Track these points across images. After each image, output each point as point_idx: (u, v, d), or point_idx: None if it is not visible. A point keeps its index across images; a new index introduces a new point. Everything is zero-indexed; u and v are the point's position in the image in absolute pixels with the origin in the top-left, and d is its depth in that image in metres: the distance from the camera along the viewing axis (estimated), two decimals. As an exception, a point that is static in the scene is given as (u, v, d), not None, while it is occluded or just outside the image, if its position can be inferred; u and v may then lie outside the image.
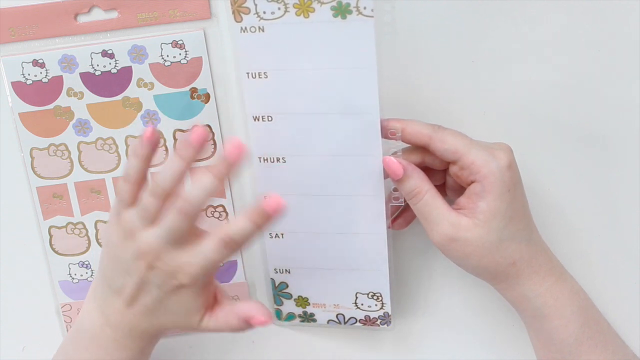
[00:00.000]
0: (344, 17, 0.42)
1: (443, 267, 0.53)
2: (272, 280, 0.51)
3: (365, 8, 0.41)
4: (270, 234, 0.49)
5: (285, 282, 0.51)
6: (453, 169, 0.44)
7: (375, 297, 0.50)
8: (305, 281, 0.51)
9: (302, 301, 0.51)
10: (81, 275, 0.53)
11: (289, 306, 0.52)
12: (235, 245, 0.40)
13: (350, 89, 0.44)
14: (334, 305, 0.51)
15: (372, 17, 0.41)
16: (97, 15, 0.48)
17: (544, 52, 0.48)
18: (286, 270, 0.50)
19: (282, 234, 0.49)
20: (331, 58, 0.43)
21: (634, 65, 0.48)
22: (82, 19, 0.48)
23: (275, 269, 0.51)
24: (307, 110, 0.45)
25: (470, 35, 0.48)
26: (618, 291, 0.52)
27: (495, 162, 0.42)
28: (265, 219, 0.40)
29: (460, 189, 0.45)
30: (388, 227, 0.48)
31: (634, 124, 0.50)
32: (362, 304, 0.50)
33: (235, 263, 0.53)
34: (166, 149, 0.50)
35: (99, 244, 0.52)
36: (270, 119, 0.45)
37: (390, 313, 0.51)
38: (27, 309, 0.54)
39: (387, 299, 0.50)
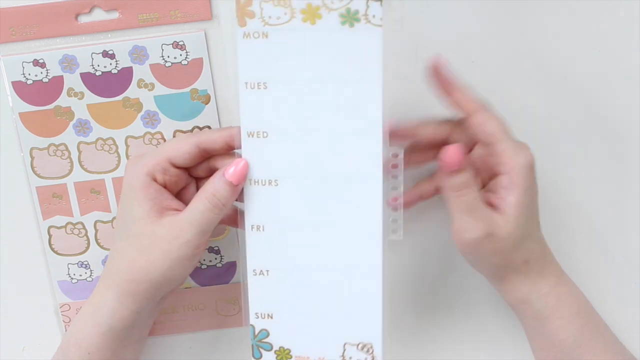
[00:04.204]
0: (351, 25, 0.40)
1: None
2: (252, 327, 0.45)
3: (374, 16, 0.40)
4: (254, 270, 0.44)
5: (266, 330, 0.45)
6: (478, 152, 0.44)
7: (365, 350, 0.44)
8: (289, 329, 0.45)
9: (284, 353, 0.46)
10: (80, 276, 0.52)
11: (268, 359, 0.46)
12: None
13: (352, 103, 0.41)
14: (319, 358, 0.45)
15: (380, 26, 0.40)
16: (98, 15, 0.48)
17: (544, 52, 0.49)
18: (269, 315, 0.45)
19: (267, 271, 0.44)
20: (334, 69, 0.41)
21: (634, 65, 0.49)
22: (83, 19, 0.48)
23: (256, 314, 0.45)
24: (304, 126, 0.42)
25: (470, 35, 0.48)
26: (618, 292, 0.52)
27: (524, 156, 0.42)
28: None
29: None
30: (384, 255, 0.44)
31: (633, 124, 0.50)
32: (350, 358, 0.45)
33: (234, 264, 0.53)
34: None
35: (99, 244, 0.52)
36: (265, 135, 0.43)
37: None
38: (26, 309, 0.53)
39: (379, 351, 0.44)
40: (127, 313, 0.44)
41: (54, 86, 0.49)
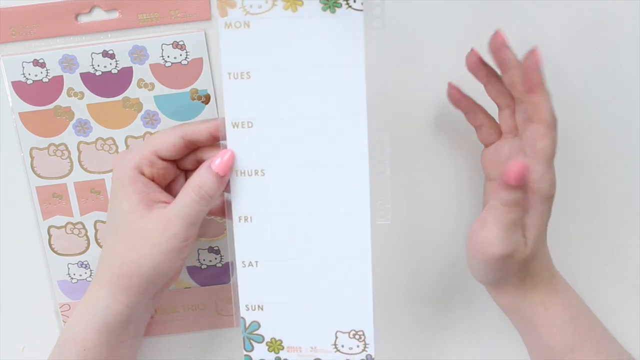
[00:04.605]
0: (332, 11, 0.40)
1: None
2: (243, 319, 0.45)
3: (355, 1, 0.40)
4: (243, 262, 0.44)
5: (257, 322, 0.45)
6: (506, 146, 0.45)
7: (357, 337, 0.45)
8: (280, 320, 0.45)
9: (275, 344, 0.45)
10: (80, 276, 0.53)
11: (260, 351, 0.46)
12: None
13: (336, 89, 0.41)
14: (311, 348, 0.45)
15: (361, 10, 0.40)
16: (98, 15, 0.48)
17: (543, 51, 0.49)
18: (259, 306, 0.45)
19: (256, 262, 0.44)
20: (317, 56, 0.41)
21: (634, 66, 0.49)
22: (83, 19, 0.48)
23: (247, 306, 0.45)
24: (289, 114, 0.42)
25: (470, 34, 0.48)
26: (618, 292, 0.52)
27: (549, 187, 0.41)
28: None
29: None
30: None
31: (633, 125, 0.50)
32: (342, 346, 0.45)
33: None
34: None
35: (98, 244, 0.52)
36: (250, 125, 0.42)
37: (374, 355, 0.45)
38: (26, 309, 0.54)
39: (370, 338, 0.44)
40: (122, 308, 0.44)
41: (54, 86, 0.49)
